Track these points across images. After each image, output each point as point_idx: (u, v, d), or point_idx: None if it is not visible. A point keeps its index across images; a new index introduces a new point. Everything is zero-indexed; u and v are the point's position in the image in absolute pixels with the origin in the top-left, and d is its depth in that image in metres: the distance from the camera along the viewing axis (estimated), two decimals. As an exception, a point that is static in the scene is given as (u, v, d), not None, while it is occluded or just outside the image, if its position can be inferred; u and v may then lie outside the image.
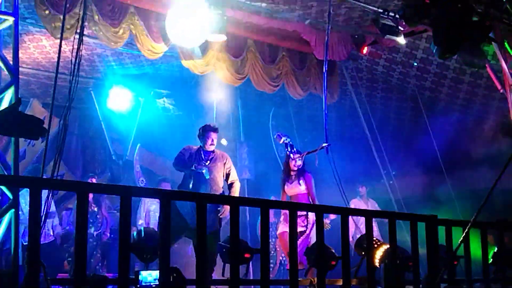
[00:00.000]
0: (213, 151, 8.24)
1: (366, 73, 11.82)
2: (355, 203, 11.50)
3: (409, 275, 6.62)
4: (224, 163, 8.26)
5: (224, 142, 12.37)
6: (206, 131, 8.21)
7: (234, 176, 8.37)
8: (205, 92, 12.49)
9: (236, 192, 8.27)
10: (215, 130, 8.26)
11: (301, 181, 8.83)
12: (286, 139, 8.82)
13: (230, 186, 8.31)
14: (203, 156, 8.17)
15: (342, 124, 12.83)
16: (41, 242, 9.15)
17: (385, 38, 9.25)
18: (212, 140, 8.19)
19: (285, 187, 8.84)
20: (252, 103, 13.06)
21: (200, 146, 8.27)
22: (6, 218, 5.15)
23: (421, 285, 6.30)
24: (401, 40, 9.34)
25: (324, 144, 8.76)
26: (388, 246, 7.63)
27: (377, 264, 7.18)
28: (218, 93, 11.97)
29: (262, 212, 4.96)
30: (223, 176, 8.27)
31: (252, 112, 13.23)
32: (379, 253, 7.53)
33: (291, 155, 8.89)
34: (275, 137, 9.53)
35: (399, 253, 6.48)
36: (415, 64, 11.20)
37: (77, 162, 13.01)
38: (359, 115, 11.58)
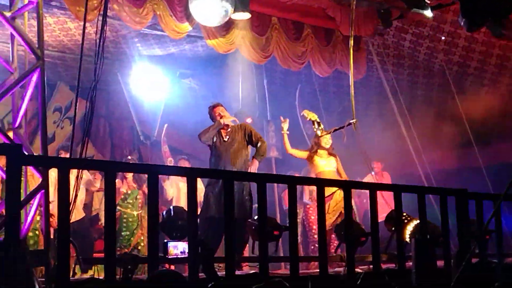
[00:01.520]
0: (227, 125, 8.20)
1: (392, 49, 11.66)
2: (368, 179, 11.36)
3: (439, 250, 6.59)
4: (244, 132, 8.21)
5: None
6: (210, 110, 8.31)
7: (257, 136, 8.29)
8: (231, 71, 12.49)
9: (264, 151, 8.19)
10: (215, 105, 8.33)
11: (332, 159, 8.79)
12: (313, 116, 8.79)
13: (257, 147, 8.20)
14: (222, 134, 8.17)
15: (369, 100, 12.71)
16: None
17: (412, 12, 9.12)
18: (219, 114, 8.21)
19: (316, 163, 8.78)
20: (277, 81, 13.00)
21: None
22: (36, 199, 5.20)
23: (452, 260, 6.25)
24: (428, 13, 9.20)
25: (352, 121, 8.72)
26: (418, 221, 7.61)
27: (407, 239, 7.14)
28: (244, 72, 11.95)
29: (290, 189, 4.94)
30: (246, 144, 8.20)
31: (278, 90, 13.18)
32: (409, 229, 7.48)
33: (318, 132, 8.86)
34: (301, 114, 9.50)
35: (430, 228, 6.44)
36: (443, 38, 11.03)
37: (105, 144, 13.10)
38: (386, 91, 11.47)
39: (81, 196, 9.40)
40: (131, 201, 9.70)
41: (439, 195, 6.11)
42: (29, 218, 5.37)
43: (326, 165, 8.78)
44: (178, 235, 6.13)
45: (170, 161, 11.71)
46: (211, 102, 8.47)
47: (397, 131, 11.29)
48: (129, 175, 9.66)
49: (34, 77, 5.55)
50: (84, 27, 6.33)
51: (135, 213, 9.75)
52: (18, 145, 3.62)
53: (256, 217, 7.29)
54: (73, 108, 11.89)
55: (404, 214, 7.07)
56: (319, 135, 8.91)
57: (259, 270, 5.13)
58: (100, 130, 13.03)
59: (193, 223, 4.25)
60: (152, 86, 11.92)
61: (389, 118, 11.49)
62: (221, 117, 8.15)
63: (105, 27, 6.14)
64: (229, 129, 8.18)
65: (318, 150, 8.89)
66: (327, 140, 8.82)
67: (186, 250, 5.30)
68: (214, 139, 8.12)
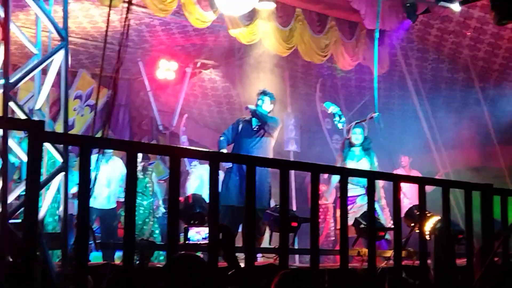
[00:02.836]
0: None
1: (417, 43, 11.52)
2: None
3: (459, 248, 6.47)
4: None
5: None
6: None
7: None
8: (252, 63, 12.41)
9: None
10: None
11: (365, 158, 8.45)
12: (335, 109, 8.68)
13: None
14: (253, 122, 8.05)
15: (391, 95, 12.58)
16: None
17: (439, 5, 8.99)
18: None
19: (347, 164, 8.43)
20: (299, 74, 12.90)
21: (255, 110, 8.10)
22: (57, 181, 5.17)
23: (474, 259, 6.12)
24: (456, 7, 9.07)
25: (374, 114, 8.61)
26: (438, 217, 7.48)
27: (427, 236, 7.01)
28: (265, 64, 11.86)
29: (313, 177, 4.84)
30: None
31: (299, 83, 13.07)
32: (429, 225, 7.35)
33: (340, 125, 8.70)
34: (322, 107, 9.40)
35: (450, 225, 6.30)
36: (469, 33, 10.88)
37: (124, 133, 13.09)
38: (408, 86, 11.34)
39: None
40: (140, 190, 9.59)
41: (464, 190, 5.95)
42: (47, 201, 5.35)
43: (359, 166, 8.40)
44: (196, 222, 6.09)
45: (188, 152, 11.65)
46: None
47: (419, 127, 11.17)
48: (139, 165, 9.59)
49: (57, 60, 5.51)
50: (109, 14, 6.28)
51: (145, 202, 9.67)
52: (40, 121, 3.56)
53: (273, 207, 7.25)
54: (93, 96, 11.93)
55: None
56: (340, 128, 8.77)
57: (279, 261, 5.03)
58: (119, 119, 13.04)
59: (215, 208, 4.18)
60: (173, 76, 11.91)
61: (411, 114, 11.36)
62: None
63: (128, 15, 6.08)
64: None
65: (351, 150, 8.52)
66: (356, 136, 8.50)
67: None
68: (240, 127, 8.02)
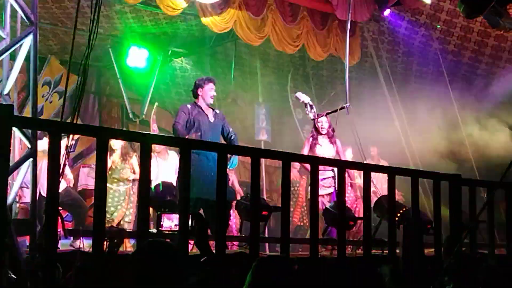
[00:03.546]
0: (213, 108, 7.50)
1: (387, 35, 11.60)
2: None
3: (427, 238, 6.54)
4: (223, 123, 7.48)
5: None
6: (201, 84, 7.36)
7: (231, 129, 7.49)
8: (224, 53, 12.37)
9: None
10: (208, 80, 7.43)
11: (332, 145, 8.56)
12: (306, 99, 8.67)
13: (232, 141, 7.37)
14: (208, 113, 7.35)
15: (361, 85, 12.65)
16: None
17: (410, -3, 9.05)
18: (210, 92, 7.35)
19: (316, 150, 8.51)
20: (270, 64, 12.90)
21: (194, 103, 7.41)
22: (24, 168, 5.09)
23: (442, 248, 6.20)
24: (427, 0, 9.12)
25: (345, 105, 8.65)
26: (406, 207, 7.56)
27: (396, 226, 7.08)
28: (237, 53, 11.83)
29: (284, 165, 4.85)
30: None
31: (270, 72, 13.07)
32: (398, 215, 7.43)
33: (311, 115, 8.72)
34: (294, 97, 9.40)
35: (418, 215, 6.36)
36: (438, 26, 10.97)
37: (94, 120, 12.93)
38: (379, 77, 11.41)
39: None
40: (117, 176, 9.54)
41: (432, 180, 6.01)
42: (15, 187, 5.26)
43: (326, 152, 8.49)
44: (167, 210, 6.05)
45: (158, 140, 11.58)
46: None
47: (389, 118, 11.25)
48: (117, 151, 9.51)
49: (26, 46, 5.42)
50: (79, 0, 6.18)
51: (121, 188, 9.60)
52: (9, 105, 3.50)
53: (244, 196, 7.23)
54: (62, 83, 11.77)
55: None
56: (312, 118, 8.77)
57: (249, 250, 5.03)
58: (89, 106, 12.87)
59: (185, 196, 4.16)
60: (143, 64, 11.80)
61: (381, 105, 11.44)
62: (211, 97, 7.35)
63: (99, 1, 5.99)
64: (215, 111, 7.46)
65: (319, 138, 8.61)
66: (322, 124, 8.59)
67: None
68: (195, 113, 7.25)
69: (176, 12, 9.12)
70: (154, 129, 12.08)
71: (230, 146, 6.35)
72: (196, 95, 7.41)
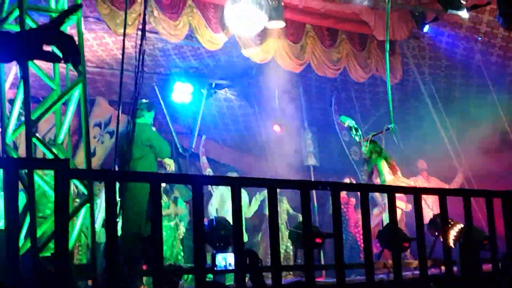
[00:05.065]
0: None
1: (428, 51, 11.55)
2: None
3: (485, 254, 6.48)
4: None
5: (277, 128, 12.39)
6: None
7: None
8: (266, 81, 12.50)
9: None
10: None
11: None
12: (350, 122, 8.72)
13: None
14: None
15: (405, 105, 12.62)
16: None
17: (448, 13, 9.03)
18: None
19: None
20: (313, 89, 12.97)
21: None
22: (82, 213, 5.27)
23: (500, 264, 6.14)
24: (464, 14, 9.10)
25: (390, 126, 8.67)
26: (461, 225, 7.50)
27: (451, 244, 7.04)
28: (279, 80, 11.95)
29: (333, 194, 4.91)
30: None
31: (314, 98, 13.15)
32: (453, 233, 7.39)
33: (356, 138, 8.75)
34: (338, 121, 9.45)
35: (474, 232, 6.33)
36: (480, 38, 10.88)
37: (144, 158, 13.16)
38: (423, 94, 11.36)
39: None
40: (164, 212, 9.66)
41: (484, 198, 5.99)
42: (75, 232, 5.44)
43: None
44: (222, 245, 6.15)
45: (208, 172, 11.76)
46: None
47: (436, 135, 11.17)
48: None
49: (76, 93, 5.64)
50: (124, 42, 6.40)
51: (170, 224, 9.73)
52: (65, 160, 3.66)
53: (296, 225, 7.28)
54: (112, 123, 12.06)
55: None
56: (357, 141, 8.82)
57: (305, 278, 5.09)
58: (139, 143, 13.12)
59: (239, 233, 4.25)
60: (189, 98, 12.02)
61: (426, 122, 11.37)
62: None
63: (144, 41, 6.20)
64: None
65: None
66: (364, 148, 8.62)
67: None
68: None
69: (217, 46, 9.32)
70: (203, 161, 12.28)
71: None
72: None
